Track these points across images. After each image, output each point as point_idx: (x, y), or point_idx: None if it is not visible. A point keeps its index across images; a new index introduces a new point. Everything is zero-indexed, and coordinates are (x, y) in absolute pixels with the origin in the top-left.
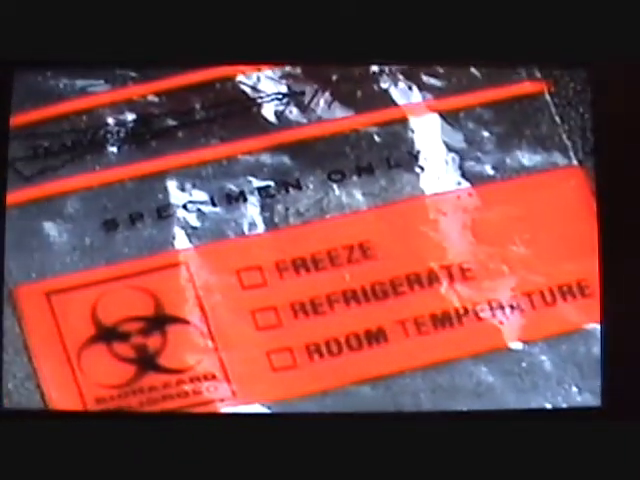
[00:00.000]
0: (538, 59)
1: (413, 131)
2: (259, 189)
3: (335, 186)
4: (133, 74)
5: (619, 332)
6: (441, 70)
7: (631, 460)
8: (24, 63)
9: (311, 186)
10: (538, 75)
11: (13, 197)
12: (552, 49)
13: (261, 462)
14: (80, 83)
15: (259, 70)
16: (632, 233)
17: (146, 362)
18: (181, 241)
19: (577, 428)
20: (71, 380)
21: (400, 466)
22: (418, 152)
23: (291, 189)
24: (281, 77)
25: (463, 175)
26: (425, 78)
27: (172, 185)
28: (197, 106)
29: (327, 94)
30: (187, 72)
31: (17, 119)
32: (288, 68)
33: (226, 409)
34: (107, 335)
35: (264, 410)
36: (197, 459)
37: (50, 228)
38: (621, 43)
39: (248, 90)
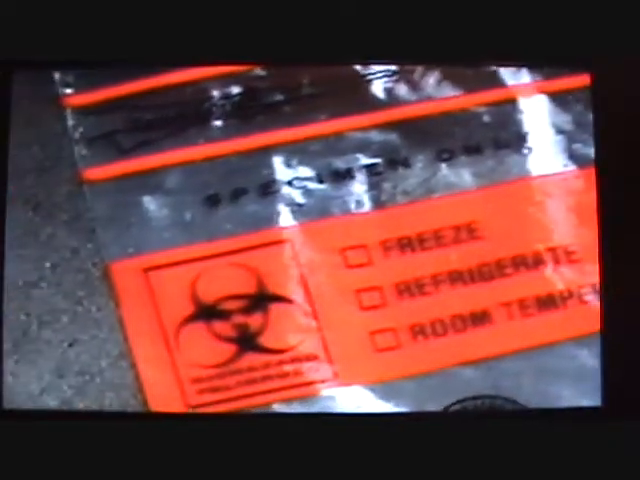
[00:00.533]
0: (538, 59)
1: (522, 112)
2: (367, 167)
3: (443, 165)
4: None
5: (620, 333)
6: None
7: (631, 460)
8: (24, 63)
9: (419, 165)
10: None
11: (110, 170)
12: (552, 49)
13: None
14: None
15: None
16: (634, 232)
17: (246, 342)
18: (286, 218)
19: (577, 428)
20: (167, 359)
21: (400, 466)
22: (526, 133)
23: (399, 167)
24: None
25: (570, 157)
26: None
27: (278, 161)
28: (305, 81)
29: (437, 72)
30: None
31: (120, 89)
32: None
33: (327, 391)
34: (207, 313)
35: (365, 392)
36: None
37: (149, 202)
38: (621, 43)
39: (358, 66)
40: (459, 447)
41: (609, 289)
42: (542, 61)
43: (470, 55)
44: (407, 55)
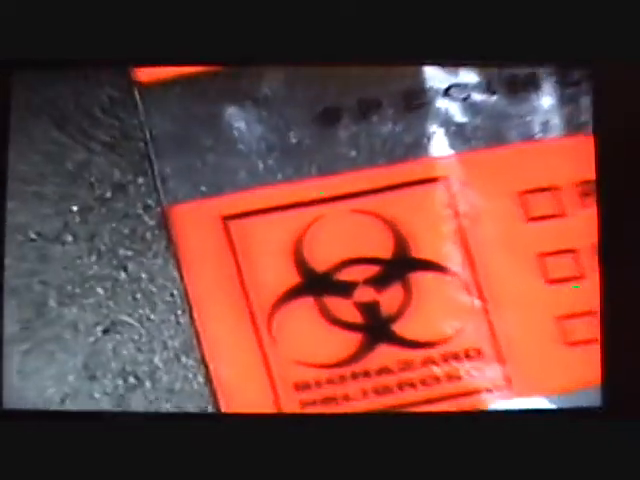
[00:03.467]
0: (538, 59)
1: None
2: (557, 73)
3: None
4: None
5: (619, 333)
6: None
7: (631, 460)
8: (24, 63)
9: None
10: None
11: (173, 69)
12: (552, 49)
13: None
14: None
15: None
16: (635, 233)
17: (376, 329)
18: (439, 144)
19: (577, 428)
20: (256, 353)
21: (400, 466)
22: None
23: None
24: None
25: None
26: None
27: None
28: None
29: None
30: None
31: None
32: None
33: (496, 403)
34: (318, 285)
35: (548, 405)
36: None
37: (234, 116)
38: (621, 43)
39: None
40: (459, 447)
41: (609, 290)
42: (542, 61)
43: (470, 55)
44: (407, 55)
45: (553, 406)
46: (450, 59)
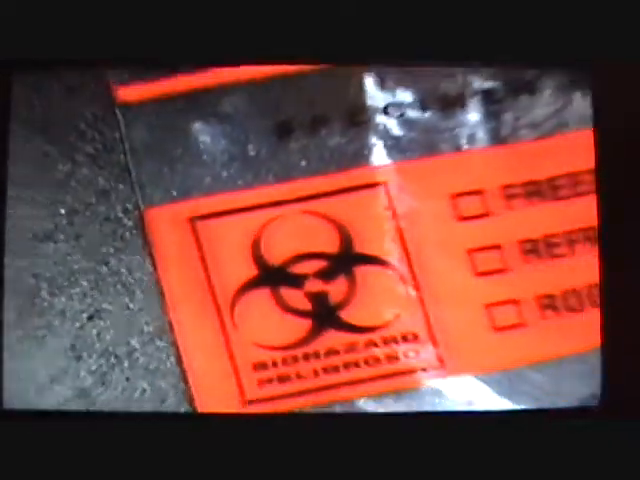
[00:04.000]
0: (538, 59)
1: None
2: (482, 92)
3: (578, 94)
4: None
5: (619, 333)
6: None
7: (631, 460)
8: (24, 63)
9: (548, 92)
10: None
11: (150, 89)
12: (552, 49)
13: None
14: None
15: None
16: (635, 232)
17: (325, 316)
18: (379, 155)
19: (577, 428)
20: (219, 338)
21: (400, 466)
22: None
23: (523, 95)
24: None
25: None
26: None
27: (370, 82)
28: None
29: None
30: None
31: None
32: None
33: (430, 382)
34: (273, 278)
35: (479, 384)
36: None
37: (200, 131)
38: (621, 43)
39: None
40: (459, 447)
41: (609, 289)
42: (541, 62)
43: (470, 55)
44: (406, 55)
45: (482, 384)
46: (449, 61)
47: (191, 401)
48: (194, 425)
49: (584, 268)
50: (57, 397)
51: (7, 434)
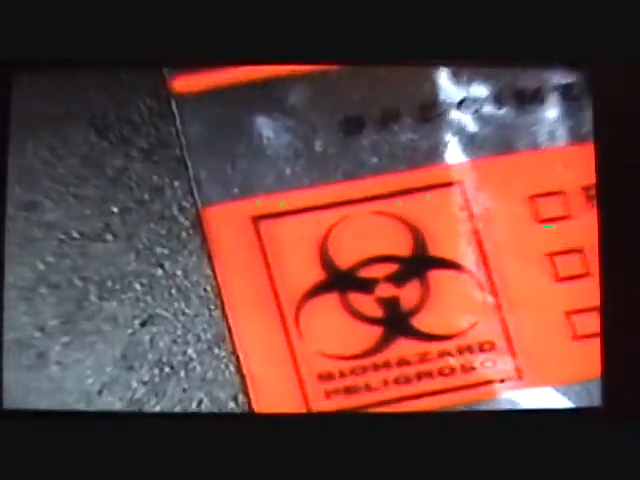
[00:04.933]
0: (538, 59)
1: None
2: (561, 87)
3: None
4: None
5: (619, 333)
6: None
7: (631, 460)
8: (24, 63)
9: None
10: None
11: (207, 79)
12: (552, 49)
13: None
14: None
15: None
16: (635, 230)
17: (396, 323)
18: (453, 152)
19: (577, 428)
20: (283, 346)
21: (400, 466)
22: None
23: None
24: None
25: None
26: None
27: (443, 76)
28: None
29: None
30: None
31: None
32: None
33: (507, 393)
34: (341, 282)
35: (557, 395)
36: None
37: (263, 125)
38: (621, 43)
39: None
40: (459, 447)
41: (609, 289)
42: (542, 61)
43: (470, 55)
44: (409, 56)
45: (560, 396)
46: (450, 60)
47: (250, 410)
48: (196, 426)
49: None
50: (107, 407)
51: (7, 434)
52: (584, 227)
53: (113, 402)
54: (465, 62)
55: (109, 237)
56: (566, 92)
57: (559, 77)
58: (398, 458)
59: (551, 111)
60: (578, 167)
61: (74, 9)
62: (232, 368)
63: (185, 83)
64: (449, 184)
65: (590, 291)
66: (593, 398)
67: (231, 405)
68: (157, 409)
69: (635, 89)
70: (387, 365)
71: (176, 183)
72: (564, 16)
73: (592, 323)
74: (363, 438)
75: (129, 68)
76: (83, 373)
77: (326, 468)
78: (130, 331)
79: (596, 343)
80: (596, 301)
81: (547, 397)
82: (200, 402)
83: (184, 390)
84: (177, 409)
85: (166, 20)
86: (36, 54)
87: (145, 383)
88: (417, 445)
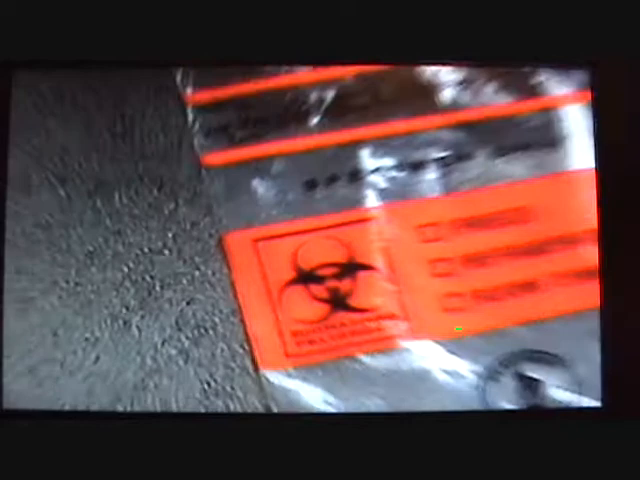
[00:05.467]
0: (538, 59)
1: (563, 118)
2: (438, 159)
3: (500, 159)
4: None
5: (620, 333)
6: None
7: (631, 460)
8: (24, 63)
9: (481, 158)
10: None
11: (224, 157)
12: (552, 49)
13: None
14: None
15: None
16: (633, 227)
17: (338, 302)
18: (371, 200)
19: (577, 428)
20: (271, 315)
21: (400, 465)
22: (566, 135)
23: (464, 160)
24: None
25: None
26: (573, 73)
27: (365, 153)
28: (386, 88)
29: (495, 82)
30: (377, 62)
31: (233, 89)
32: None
33: (403, 344)
34: (305, 278)
35: (435, 346)
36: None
37: (257, 184)
38: (621, 43)
39: (431, 77)
40: (459, 447)
41: (609, 290)
42: (542, 61)
43: (471, 56)
44: (411, 55)
45: (438, 346)
46: (452, 59)
47: (253, 355)
48: (195, 425)
49: (504, 272)
50: (164, 355)
51: (7, 434)
52: (452, 245)
53: (169, 349)
54: (465, 62)
55: (166, 252)
56: (442, 161)
57: (436, 151)
58: (398, 458)
59: (431, 174)
60: (448, 209)
61: (74, 9)
62: (241, 329)
63: (212, 158)
64: (369, 219)
65: (454, 284)
66: (459, 349)
67: (240, 351)
68: (196, 355)
69: (636, 89)
70: (333, 326)
71: (206, 219)
72: (565, 16)
73: (456, 303)
74: (363, 438)
75: (129, 69)
76: (151, 333)
77: (326, 468)
78: (180, 308)
79: (457, 315)
80: (458, 289)
81: (429, 347)
82: (222, 350)
83: (213, 343)
84: (207, 354)
85: (166, 20)
86: (36, 54)
87: (189, 339)
88: (417, 445)
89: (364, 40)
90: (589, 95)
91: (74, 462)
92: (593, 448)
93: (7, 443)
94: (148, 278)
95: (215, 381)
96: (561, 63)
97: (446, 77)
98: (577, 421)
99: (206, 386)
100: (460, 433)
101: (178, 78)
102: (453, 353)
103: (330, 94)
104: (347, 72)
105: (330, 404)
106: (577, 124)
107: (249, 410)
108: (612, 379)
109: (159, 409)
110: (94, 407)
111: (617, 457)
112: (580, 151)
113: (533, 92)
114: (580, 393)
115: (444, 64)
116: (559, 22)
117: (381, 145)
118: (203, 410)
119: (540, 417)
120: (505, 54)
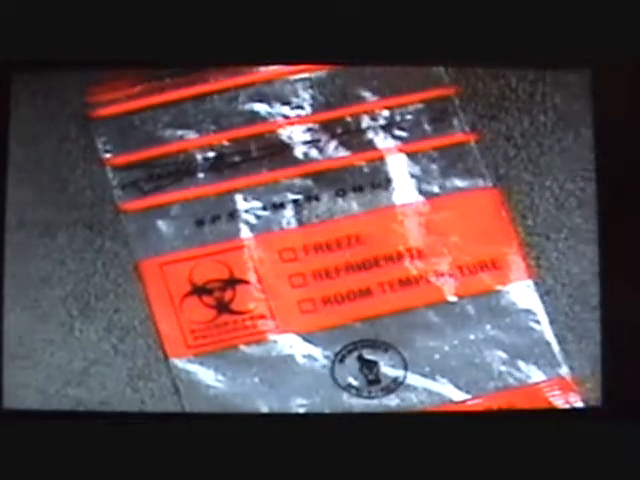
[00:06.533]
0: (538, 60)
1: (389, 165)
2: (293, 201)
3: (340, 199)
4: (214, 127)
5: (619, 333)
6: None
7: (631, 460)
8: (24, 63)
9: (325, 199)
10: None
11: (136, 204)
12: (552, 49)
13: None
14: (179, 132)
15: (292, 125)
16: (633, 227)
17: (223, 307)
18: (245, 233)
19: (577, 428)
20: (175, 320)
21: (400, 465)
22: (392, 178)
23: (313, 200)
24: (306, 130)
25: (420, 192)
26: (396, 131)
27: (239, 198)
28: (253, 148)
29: (334, 141)
30: (248, 126)
31: (141, 154)
32: (311, 124)
33: (272, 337)
34: (198, 291)
35: (296, 337)
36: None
37: (161, 224)
38: (621, 43)
39: (285, 139)
40: (459, 447)
41: (609, 290)
42: (542, 62)
43: (470, 56)
44: (405, 55)
45: (298, 338)
46: (452, 61)
47: (162, 347)
48: (183, 426)
49: (345, 283)
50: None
51: (7, 434)
52: (304, 264)
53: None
54: (465, 62)
55: (97, 275)
56: (296, 202)
57: (292, 196)
58: (397, 458)
59: (288, 211)
60: (301, 237)
61: (74, 9)
62: (153, 331)
63: (127, 205)
64: (243, 247)
65: (308, 292)
66: (309, 340)
67: (154, 345)
68: (123, 349)
69: (636, 89)
70: (219, 326)
71: (124, 250)
72: (565, 17)
73: (309, 306)
74: (361, 438)
75: (132, 67)
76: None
77: (326, 468)
78: (109, 315)
79: (309, 315)
80: (307, 296)
81: (291, 339)
82: (141, 345)
83: (134, 340)
84: (130, 347)
85: (166, 20)
86: (36, 54)
87: (117, 337)
88: (417, 445)
89: (364, 40)
90: (410, 147)
91: (74, 462)
92: (593, 448)
93: (7, 443)
94: (86, 294)
95: (137, 367)
96: (560, 63)
97: (298, 137)
98: (577, 421)
99: (131, 372)
100: (460, 433)
101: (100, 146)
102: (309, 342)
103: (212, 154)
104: (224, 137)
105: (220, 381)
106: (398, 170)
107: (164, 390)
108: (612, 379)
109: (99, 390)
110: (51, 389)
111: (617, 457)
112: (401, 190)
113: (364, 146)
114: (405, 369)
115: (444, 65)
116: (559, 22)
117: (250, 192)
118: (130, 391)
119: (542, 417)
120: (505, 56)
